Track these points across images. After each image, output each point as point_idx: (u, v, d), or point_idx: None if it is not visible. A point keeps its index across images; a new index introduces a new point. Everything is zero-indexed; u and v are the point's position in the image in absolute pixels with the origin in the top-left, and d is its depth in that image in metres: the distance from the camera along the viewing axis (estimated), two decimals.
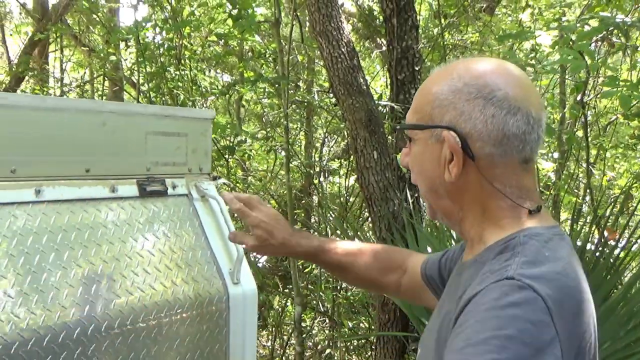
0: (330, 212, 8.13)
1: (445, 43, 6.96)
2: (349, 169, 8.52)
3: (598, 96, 5.49)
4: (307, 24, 5.47)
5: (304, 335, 6.33)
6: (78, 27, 9.88)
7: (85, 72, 10.99)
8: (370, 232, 5.43)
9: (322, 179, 8.71)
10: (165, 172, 2.59)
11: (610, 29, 4.85)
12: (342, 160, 9.07)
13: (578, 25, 4.63)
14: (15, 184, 2.10)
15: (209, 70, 7.45)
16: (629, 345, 4.22)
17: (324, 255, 2.29)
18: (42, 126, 2.19)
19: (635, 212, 7.38)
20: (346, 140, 8.54)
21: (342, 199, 7.87)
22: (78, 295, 2.13)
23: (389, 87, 5.59)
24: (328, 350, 6.74)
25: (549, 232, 1.50)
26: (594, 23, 4.77)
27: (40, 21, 9.66)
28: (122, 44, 6.87)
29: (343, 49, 4.85)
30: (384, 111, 5.37)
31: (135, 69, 6.53)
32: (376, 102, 5.10)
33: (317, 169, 8.52)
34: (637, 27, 4.95)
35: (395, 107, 5.17)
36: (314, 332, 7.17)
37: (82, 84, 9.99)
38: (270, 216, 2.24)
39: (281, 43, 5.57)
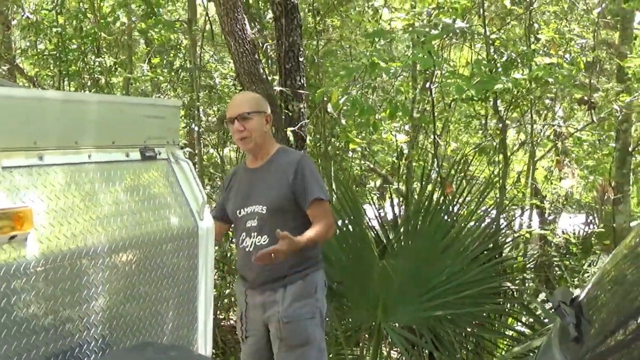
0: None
1: (317, 35, 8.29)
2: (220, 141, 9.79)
3: (441, 84, 6.94)
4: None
5: None
6: None
7: None
8: None
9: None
10: (154, 143, 3.77)
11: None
12: (218, 133, 10.19)
13: (426, 29, 6.04)
14: (74, 151, 3.25)
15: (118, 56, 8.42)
16: (463, 271, 5.73)
17: None
18: (90, 114, 3.34)
19: (474, 175, 8.97)
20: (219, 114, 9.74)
21: (231, 166, 9.04)
22: (95, 225, 3.30)
23: (278, 74, 6.83)
24: None
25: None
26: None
27: None
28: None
29: (247, 46, 6.06)
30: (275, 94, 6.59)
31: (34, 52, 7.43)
32: (273, 87, 6.36)
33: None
34: (467, 32, 6.43)
35: (285, 90, 6.44)
36: None
37: None
38: None
39: (194, 39, 6.71)
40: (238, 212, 4.14)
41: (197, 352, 3.82)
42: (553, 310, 2.19)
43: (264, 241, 4.03)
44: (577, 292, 2.44)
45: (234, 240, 4.21)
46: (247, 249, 4.09)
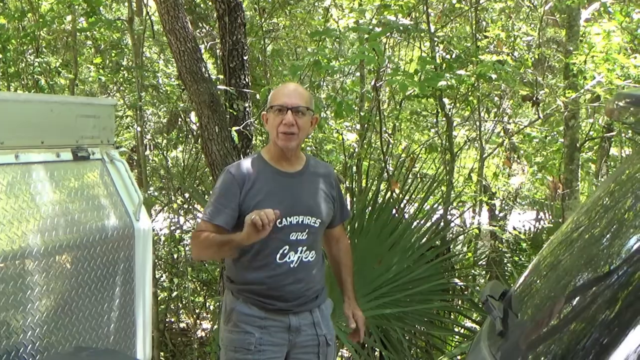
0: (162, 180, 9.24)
1: (264, 33, 8.22)
2: (171, 143, 9.67)
3: (388, 81, 6.93)
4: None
5: None
6: None
7: None
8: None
9: (147, 152, 9.69)
10: (87, 143, 3.69)
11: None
12: (165, 135, 10.08)
13: (370, 27, 6.02)
14: (3, 151, 3.16)
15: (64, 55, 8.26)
16: (410, 268, 5.72)
17: None
18: (17, 113, 3.24)
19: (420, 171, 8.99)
20: (167, 117, 9.66)
21: (178, 168, 8.96)
22: (26, 227, 3.22)
23: (222, 73, 6.75)
24: None
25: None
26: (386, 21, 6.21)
27: None
28: None
29: (189, 44, 5.96)
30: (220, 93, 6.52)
31: None
32: (216, 86, 6.28)
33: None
34: (411, 30, 6.42)
35: (229, 89, 6.36)
36: None
37: None
38: None
39: (135, 37, 6.60)
40: (278, 221, 3.36)
41: (135, 356, 3.74)
42: (481, 304, 2.17)
43: (311, 257, 3.54)
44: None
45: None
46: (291, 265, 3.46)
